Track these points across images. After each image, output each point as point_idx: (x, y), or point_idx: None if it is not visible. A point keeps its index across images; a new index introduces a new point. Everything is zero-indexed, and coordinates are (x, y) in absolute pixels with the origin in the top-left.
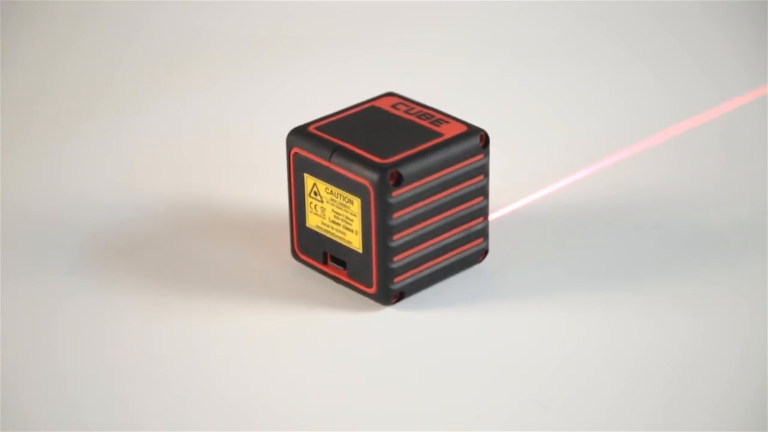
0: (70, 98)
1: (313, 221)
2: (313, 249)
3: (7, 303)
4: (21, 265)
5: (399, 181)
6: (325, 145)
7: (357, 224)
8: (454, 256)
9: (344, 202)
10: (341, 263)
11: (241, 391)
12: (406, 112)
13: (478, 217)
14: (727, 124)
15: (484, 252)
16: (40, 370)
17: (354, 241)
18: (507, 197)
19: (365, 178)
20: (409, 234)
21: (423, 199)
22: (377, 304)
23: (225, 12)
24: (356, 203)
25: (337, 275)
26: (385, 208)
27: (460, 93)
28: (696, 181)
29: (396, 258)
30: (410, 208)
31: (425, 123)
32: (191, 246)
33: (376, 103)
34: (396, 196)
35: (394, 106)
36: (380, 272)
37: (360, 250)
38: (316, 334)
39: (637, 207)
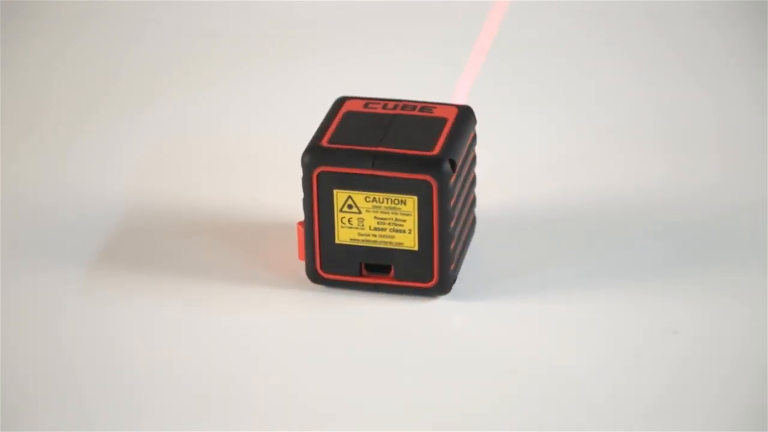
0: (71, 99)
1: (346, 235)
2: (344, 264)
3: (8, 301)
4: (22, 264)
5: (453, 167)
6: (359, 155)
7: (411, 223)
8: (469, 231)
9: (393, 205)
10: (383, 269)
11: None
12: (384, 107)
13: (474, 187)
14: (727, 125)
15: (474, 220)
16: (40, 368)
17: (406, 240)
18: (506, 197)
19: (424, 173)
20: (456, 219)
21: (459, 180)
22: (421, 298)
23: (225, 13)
24: (410, 202)
25: (378, 282)
26: (445, 197)
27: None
28: (696, 182)
29: (452, 244)
30: (456, 193)
31: (418, 113)
32: (194, 246)
33: (347, 109)
34: (452, 183)
35: (366, 106)
36: (441, 262)
37: (415, 248)
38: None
39: (636, 208)
